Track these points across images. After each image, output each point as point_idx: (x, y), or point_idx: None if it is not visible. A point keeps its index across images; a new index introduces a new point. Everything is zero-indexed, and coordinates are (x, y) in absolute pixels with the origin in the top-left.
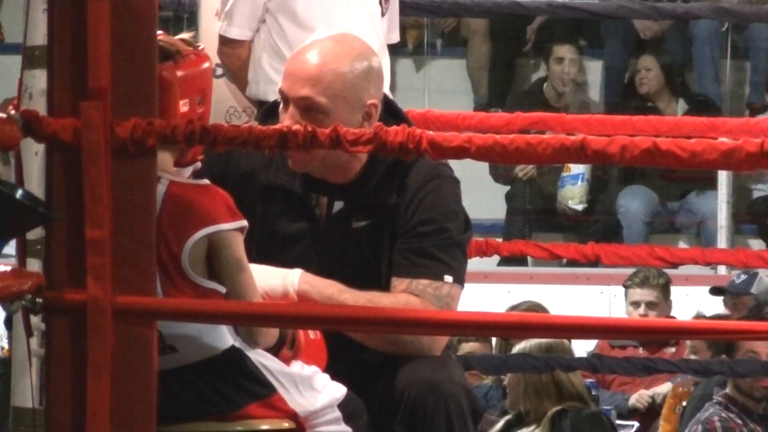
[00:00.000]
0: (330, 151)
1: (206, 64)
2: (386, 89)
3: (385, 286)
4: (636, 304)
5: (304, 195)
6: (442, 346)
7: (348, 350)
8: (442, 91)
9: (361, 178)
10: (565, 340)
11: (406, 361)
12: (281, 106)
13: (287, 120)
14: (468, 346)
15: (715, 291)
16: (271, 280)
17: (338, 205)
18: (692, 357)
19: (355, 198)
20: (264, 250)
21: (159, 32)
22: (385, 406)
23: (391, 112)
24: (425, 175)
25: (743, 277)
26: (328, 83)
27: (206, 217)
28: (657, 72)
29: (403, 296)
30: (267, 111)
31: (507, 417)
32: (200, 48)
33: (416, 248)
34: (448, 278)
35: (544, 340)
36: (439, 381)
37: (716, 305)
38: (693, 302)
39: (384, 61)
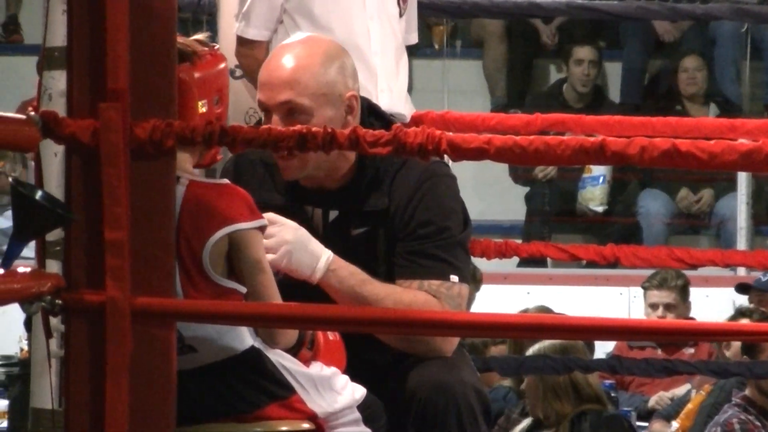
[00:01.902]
0: (321, 154)
1: (222, 65)
2: (404, 90)
3: None
4: (654, 306)
5: (298, 209)
6: (453, 346)
7: (359, 351)
8: (460, 92)
9: (352, 183)
10: (580, 341)
11: (416, 363)
12: (263, 119)
13: None
14: (496, 350)
15: (741, 289)
16: (306, 260)
17: (333, 213)
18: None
19: (348, 204)
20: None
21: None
22: (397, 408)
23: (375, 115)
24: (419, 177)
25: None
26: (306, 83)
27: (226, 216)
28: (705, 74)
29: (422, 294)
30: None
31: (527, 421)
32: (215, 48)
33: (418, 250)
34: (454, 278)
35: (558, 342)
36: (449, 382)
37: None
38: (712, 303)
39: (402, 61)
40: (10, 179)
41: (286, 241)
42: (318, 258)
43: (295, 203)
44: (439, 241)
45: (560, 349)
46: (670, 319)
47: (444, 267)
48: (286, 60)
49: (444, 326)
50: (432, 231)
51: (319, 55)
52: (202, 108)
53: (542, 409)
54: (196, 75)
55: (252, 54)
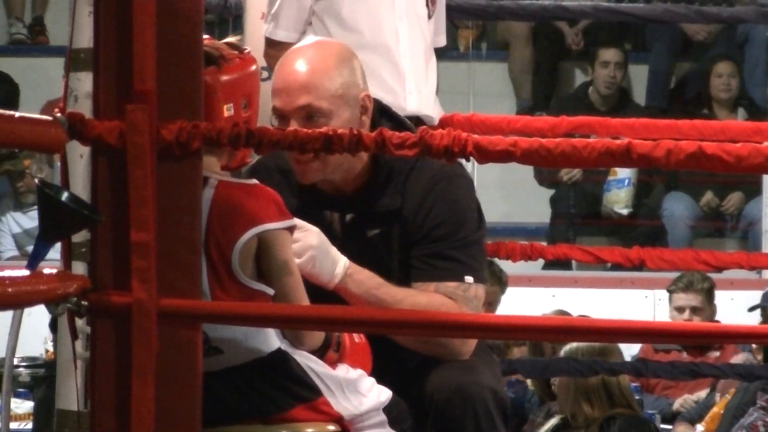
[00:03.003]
0: (338, 156)
1: (252, 68)
2: (433, 92)
3: None
4: (680, 309)
5: (317, 214)
6: (471, 348)
7: (385, 354)
8: (486, 95)
9: (366, 185)
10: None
11: (434, 366)
12: (278, 125)
13: None
14: (519, 352)
15: (754, 309)
16: (327, 265)
17: (350, 216)
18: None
19: (363, 206)
20: None
21: (204, 36)
22: (416, 411)
23: (386, 116)
24: (432, 178)
25: None
26: (323, 86)
27: (255, 217)
28: (739, 80)
29: (438, 297)
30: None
31: (553, 421)
32: (246, 51)
33: (434, 252)
34: (469, 279)
35: (597, 343)
36: (466, 384)
37: None
38: (738, 306)
39: (431, 63)
40: (36, 180)
41: (312, 246)
42: (337, 263)
43: (313, 208)
44: (455, 242)
45: (597, 351)
46: (697, 322)
47: (460, 268)
48: (299, 65)
49: (467, 328)
50: (447, 232)
51: (333, 57)
52: (227, 112)
53: (571, 408)
54: (223, 79)
55: (280, 56)
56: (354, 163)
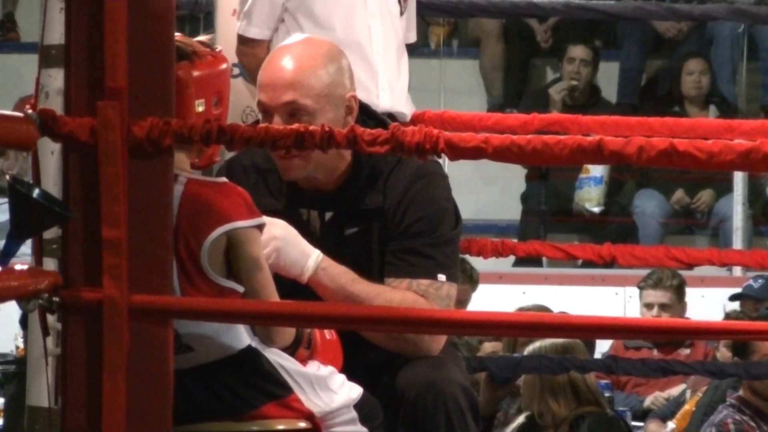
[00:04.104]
0: (322, 153)
1: (223, 66)
2: (405, 89)
3: None
4: (649, 306)
5: (293, 213)
6: (441, 345)
7: (356, 350)
8: (457, 92)
9: (348, 183)
10: (580, 341)
11: (405, 362)
12: (262, 120)
13: None
14: (490, 346)
15: (735, 298)
16: (295, 257)
17: (329, 214)
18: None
19: (344, 204)
20: None
21: (176, 33)
22: (387, 407)
23: (367, 114)
24: (412, 175)
25: (760, 281)
26: (309, 84)
27: (224, 215)
28: (711, 77)
29: (411, 294)
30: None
31: (520, 419)
32: (217, 50)
33: (409, 248)
34: (442, 277)
35: (559, 341)
36: (437, 380)
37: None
38: (708, 303)
39: (403, 60)
40: (8, 177)
41: (274, 236)
42: (308, 256)
43: (289, 207)
44: (430, 240)
45: (561, 348)
46: (667, 318)
47: (433, 266)
48: (287, 61)
49: (438, 324)
50: (423, 229)
51: (321, 56)
52: (198, 107)
53: (537, 406)
54: (195, 74)
55: (253, 53)
56: (337, 162)
